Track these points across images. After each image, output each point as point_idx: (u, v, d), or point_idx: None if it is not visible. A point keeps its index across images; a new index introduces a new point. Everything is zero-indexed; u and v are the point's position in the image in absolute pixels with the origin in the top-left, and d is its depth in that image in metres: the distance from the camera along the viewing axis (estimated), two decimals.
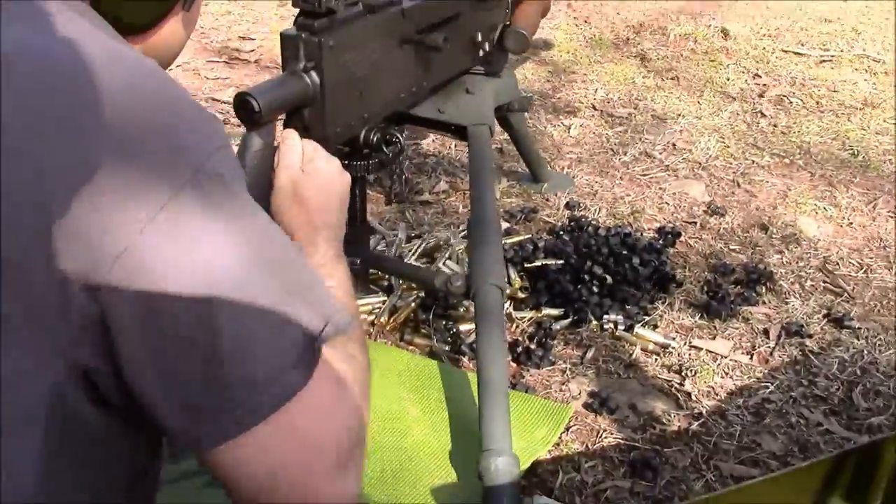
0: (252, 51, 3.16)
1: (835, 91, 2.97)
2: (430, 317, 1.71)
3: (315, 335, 0.72)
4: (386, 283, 1.82)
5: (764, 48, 3.36)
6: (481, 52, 1.76)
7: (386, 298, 1.77)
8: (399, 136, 1.47)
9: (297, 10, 1.30)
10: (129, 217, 0.65)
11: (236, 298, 0.68)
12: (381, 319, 1.73)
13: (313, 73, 1.28)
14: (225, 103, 2.71)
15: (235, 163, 0.75)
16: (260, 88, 1.24)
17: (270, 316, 0.70)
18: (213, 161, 0.70)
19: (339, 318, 0.75)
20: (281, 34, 1.30)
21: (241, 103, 1.20)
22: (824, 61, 3.25)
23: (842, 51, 3.34)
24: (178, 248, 0.66)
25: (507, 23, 1.78)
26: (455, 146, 2.46)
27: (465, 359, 1.65)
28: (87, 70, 0.68)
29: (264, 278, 0.70)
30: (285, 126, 1.32)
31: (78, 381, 0.68)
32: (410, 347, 1.69)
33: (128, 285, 0.65)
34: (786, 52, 3.33)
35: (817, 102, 2.88)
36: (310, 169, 1.11)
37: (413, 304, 1.75)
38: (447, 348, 1.67)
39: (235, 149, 1.20)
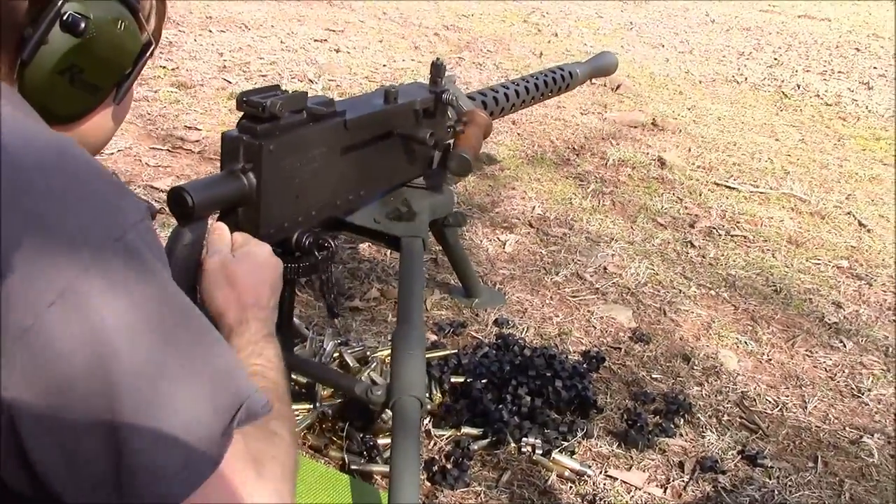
0: (197, 141, 3.17)
1: (762, 227, 3.08)
2: (347, 428, 1.69)
3: (227, 420, 0.71)
4: (303, 391, 1.79)
5: (697, 179, 3.48)
6: (420, 167, 1.80)
7: (308, 406, 1.74)
8: (331, 241, 1.48)
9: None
10: (36, 293, 0.64)
11: (142, 385, 0.67)
12: (298, 428, 1.69)
13: (251, 175, 1.30)
14: (163, 192, 2.70)
15: (152, 238, 0.74)
16: (195, 185, 1.24)
17: (178, 402, 0.68)
18: (126, 237, 0.69)
19: (255, 400, 0.74)
20: (222, 134, 1.31)
21: (176, 198, 1.20)
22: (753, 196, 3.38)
23: (771, 188, 3.48)
24: (84, 326, 0.65)
25: (451, 142, 1.82)
26: (390, 254, 2.48)
27: (378, 477, 1.62)
28: None
29: (174, 362, 0.69)
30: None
31: None
32: (324, 459, 1.66)
33: (32, 363, 0.64)
34: (718, 184, 3.46)
35: (744, 237, 2.98)
36: (240, 252, 1.12)
37: (331, 414, 1.72)
38: (362, 462, 1.64)
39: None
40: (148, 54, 0.93)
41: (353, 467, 1.62)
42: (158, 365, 0.68)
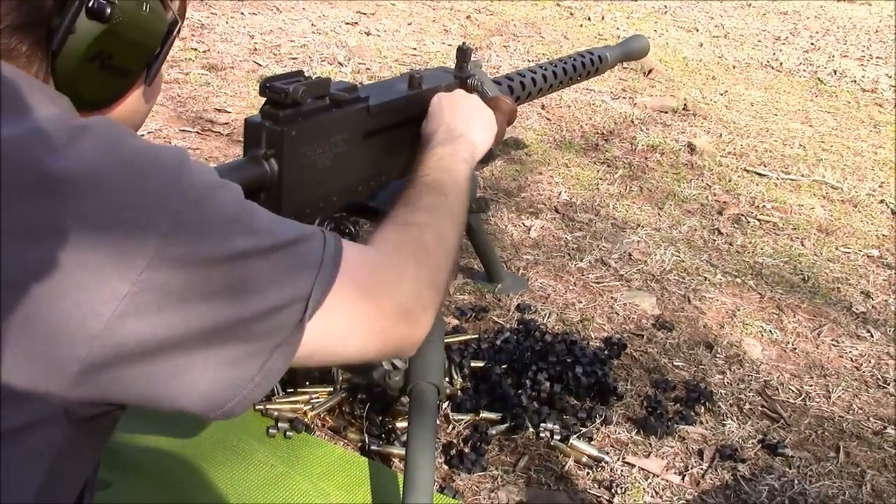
0: (226, 123, 3.19)
1: (791, 214, 3.05)
2: (366, 411, 1.71)
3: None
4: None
5: (728, 166, 3.44)
6: None
7: (329, 389, 1.76)
8: (352, 227, 1.49)
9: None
10: (104, 295, 0.67)
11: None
12: (315, 412, 1.71)
13: (273, 161, 1.31)
14: None
15: (202, 182, 0.81)
16: (217, 170, 1.25)
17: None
18: (180, 216, 0.74)
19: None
20: (245, 120, 1.33)
21: None
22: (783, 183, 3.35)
23: (802, 175, 3.43)
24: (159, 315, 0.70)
25: None
26: None
27: (396, 460, 1.64)
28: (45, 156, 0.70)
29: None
30: None
31: (72, 422, 0.71)
32: (343, 442, 1.68)
33: (115, 358, 0.69)
34: (748, 171, 3.42)
35: (774, 224, 2.95)
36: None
37: (351, 397, 1.74)
38: (380, 444, 1.66)
39: None
40: (175, 33, 0.94)
41: (372, 448, 1.64)
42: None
